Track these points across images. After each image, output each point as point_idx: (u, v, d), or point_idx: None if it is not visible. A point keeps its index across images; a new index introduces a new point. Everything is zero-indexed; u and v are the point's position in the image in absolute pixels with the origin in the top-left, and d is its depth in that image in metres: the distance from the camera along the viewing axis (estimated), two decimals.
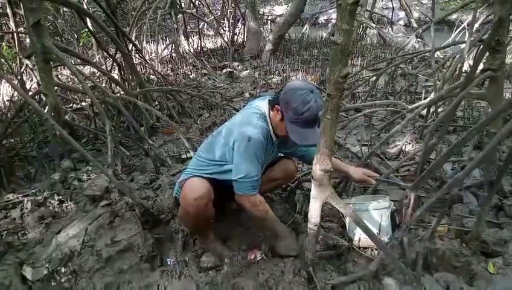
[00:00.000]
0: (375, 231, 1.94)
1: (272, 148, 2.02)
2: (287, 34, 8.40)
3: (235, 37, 8.80)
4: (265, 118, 1.91)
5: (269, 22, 10.74)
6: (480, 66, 2.30)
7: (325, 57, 7.08)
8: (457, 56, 3.94)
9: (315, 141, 1.77)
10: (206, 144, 2.08)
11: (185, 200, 1.86)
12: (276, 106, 1.86)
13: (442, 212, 1.79)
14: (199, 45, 8.10)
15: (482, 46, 2.11)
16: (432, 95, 3.61)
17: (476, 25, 4.83)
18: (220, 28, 9.00)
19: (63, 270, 1.98)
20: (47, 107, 3.15)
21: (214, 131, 2.14)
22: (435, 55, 6.52)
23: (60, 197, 2.61)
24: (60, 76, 5.38)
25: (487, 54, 2.14)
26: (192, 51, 7.70)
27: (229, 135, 1.91)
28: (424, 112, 3.27)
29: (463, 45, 3.57)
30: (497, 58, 2.11)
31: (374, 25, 8.92)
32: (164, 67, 6.80)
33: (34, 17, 2.84)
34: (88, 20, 4.80)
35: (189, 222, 2.02)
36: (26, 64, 4.36)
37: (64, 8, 7.93)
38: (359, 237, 2.00)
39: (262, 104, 1.96)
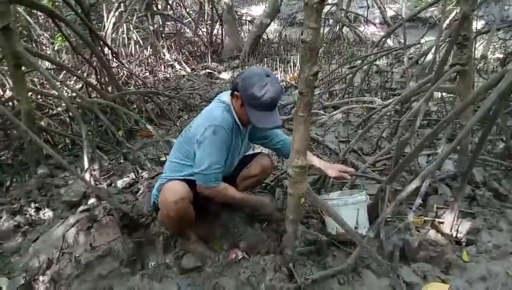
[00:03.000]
0: (352, 225, 1.97)
1: (241, 138, 2.05)
2: (265, 34, 8.43)
3: (213, 38, 8.78)
4: (229, 108, 1.93)
5: (247, 22, 10.76)
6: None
7: None
8: (429, 52, 4.03)
9: (276, 123, 1.86)
10: (176, 146, 2.09)
11: (165, 205, 1.86)
12: (235, 92, 1.89)
13: (416, 204, 1.83)
14: (177, 47, 8.05)
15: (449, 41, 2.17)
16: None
17: (447, 21, 4.96)
18: (198, 29, 8.96)
19: (41, 278, 1.94)
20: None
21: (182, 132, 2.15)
22: (410, 51, 6.69)
23: (37, 204, 2.56)
24: (36, 81, 5.26)
25: (455, 49, 2.21)
26: (170, 53, 7.64)
27: (195, 132, 1.92)
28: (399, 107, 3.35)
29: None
30: (465, 53, 2.18)
31: (350, 24, 9.06)
32: (142, 70, 6.73)
33: (2, 21, 2.76)
34: (62, 23, 4.71)
35: (170, 225, 2.03)
36: None
37: (38, 12, 7.75)
38: (337, 231, 2.03)
39: (225, 96, 1.99)
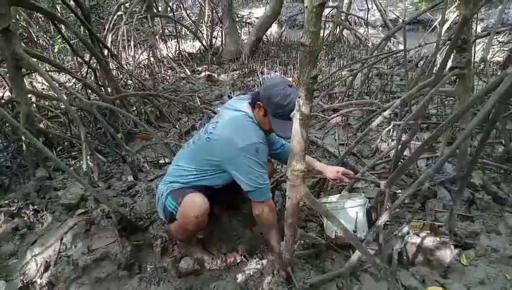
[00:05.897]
0: (351, 228, 1.97)
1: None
2: (265, 36, 8.43)
3: (214, 40, 8.79)
4: (254, 121, 1.94)
5: (248, 24, 10.77)
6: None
7: None
8: (429, 55, 4.03)
9: None
10: (188, 152, 2.04)
11: (186, 219, 1.85)
12: (258, 102, 1.90)
13: (415, 207, 1.82)
14: (177, 49, 8.06)
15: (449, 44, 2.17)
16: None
17: (447, 24, 4.96)
18: (198, 31, 8.97)
19: (38, 281, 1.93)
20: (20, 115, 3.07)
21: (193, 138, 2.09)
22: (410, 54, 6.69)
23: (35, 207, 2.55)
24: (35, 83, 5.25)
25: (454, 52, 2.21)
26: (170, 55, 7.64)
27: (226, 145, 1.85)
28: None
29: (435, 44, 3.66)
30: (464, 56, 2.17)
31: (350, 26, 9.06)
32: (142, 72, 6.73)
33: (2, 23, 2.77)
34: (62, 26, 4.72)
35: (185, 236, 2.03)
36: None
37: (39, 14, 7.76)
38: (336, 235, 2.02)
39: (244, 107, 1.97)
